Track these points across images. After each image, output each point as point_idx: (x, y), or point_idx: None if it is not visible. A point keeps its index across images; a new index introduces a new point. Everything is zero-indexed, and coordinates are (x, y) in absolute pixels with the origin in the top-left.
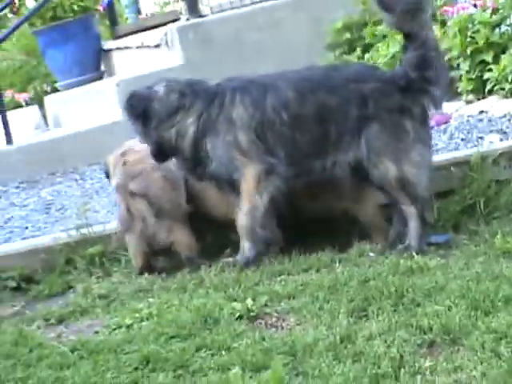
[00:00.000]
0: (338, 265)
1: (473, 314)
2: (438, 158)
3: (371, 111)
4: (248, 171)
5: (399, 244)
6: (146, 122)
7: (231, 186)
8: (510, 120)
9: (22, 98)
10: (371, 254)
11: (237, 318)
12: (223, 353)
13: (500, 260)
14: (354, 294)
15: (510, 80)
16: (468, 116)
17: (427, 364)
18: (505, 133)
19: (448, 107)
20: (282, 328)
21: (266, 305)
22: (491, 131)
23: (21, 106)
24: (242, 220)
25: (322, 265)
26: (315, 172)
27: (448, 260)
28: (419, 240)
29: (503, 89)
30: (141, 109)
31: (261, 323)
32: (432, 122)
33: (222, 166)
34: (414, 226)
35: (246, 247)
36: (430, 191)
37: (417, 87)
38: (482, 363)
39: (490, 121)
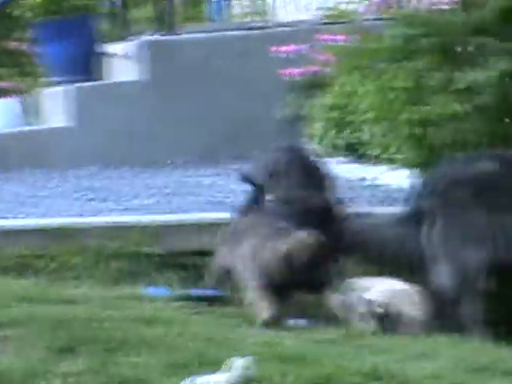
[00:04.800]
0: (94, 300)
1: (171, 370)
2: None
3: None
4: None
5: None
6: None
7: None
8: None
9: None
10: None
11: None
12: None
13: (243, 326)
14: (75, 332)
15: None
16: (348, 180)
17: None
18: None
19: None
20: None
21: None
22: None
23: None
24: None
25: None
26: None
27: (203, 316)
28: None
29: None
30: None
31: None
32: None
33: None
34: None
35: None
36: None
37: None
38: None
39: (353, 188)
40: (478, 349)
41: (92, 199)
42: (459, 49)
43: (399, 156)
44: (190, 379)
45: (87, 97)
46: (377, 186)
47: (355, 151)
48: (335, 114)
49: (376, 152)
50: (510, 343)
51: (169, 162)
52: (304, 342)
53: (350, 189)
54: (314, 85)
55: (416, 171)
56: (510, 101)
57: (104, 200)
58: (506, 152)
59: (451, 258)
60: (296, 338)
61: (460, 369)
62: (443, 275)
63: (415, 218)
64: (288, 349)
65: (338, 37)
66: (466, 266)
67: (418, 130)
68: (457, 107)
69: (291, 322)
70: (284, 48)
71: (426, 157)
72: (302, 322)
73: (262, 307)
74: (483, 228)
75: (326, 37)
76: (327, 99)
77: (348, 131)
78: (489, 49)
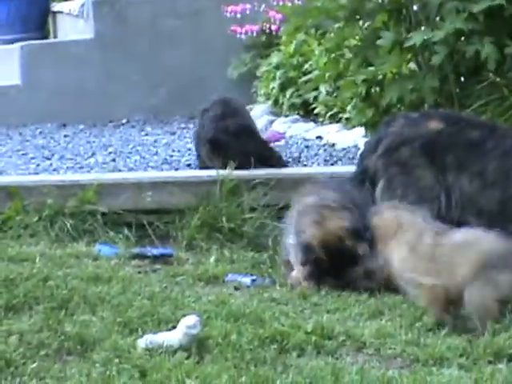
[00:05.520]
0: (38, 259)
1: (116, 328)
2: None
3: None
4: None
5: None
6: None
7: None
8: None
9: None
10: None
11: None
12: None
13: (190, 284)
14: (19, 290)
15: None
16: (303, 139)
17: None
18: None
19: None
20: None
21: None
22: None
23: None
24: None
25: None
26: None
27: (149, 275)
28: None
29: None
30: None
31: None
32: None
33: None
34: None
35: None
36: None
37: None
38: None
39: (308, 147)
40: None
41: (48, 158)
42: (412, 8)
43: (345, 115)
44: (144, 338)
45: (32, 55)
46: (333, 144)
47: (311, 110)
48: (291, 73)
49: (330, 111)
50: None
51: (124, 120)
52: (259, 300)
53: (306, 148)
54: (269, 44)
55: (364, 130)
56: (455, 59)
57: (60, 158)
58: (451, 111)
59: None
60: (250, 296)
61: (415, 327)
62: None
63: (361, 177)
64: (242, 307)
65: None
66: None
67: (364, 90)
68: (407, 66)
69: (240, 278)
70: (235, 7)
71: (372, 116)
72: (250, 278)
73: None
74: (428, 187)
75: None
76: (281, 58)
77: (303, 90)
78: (444, 8)
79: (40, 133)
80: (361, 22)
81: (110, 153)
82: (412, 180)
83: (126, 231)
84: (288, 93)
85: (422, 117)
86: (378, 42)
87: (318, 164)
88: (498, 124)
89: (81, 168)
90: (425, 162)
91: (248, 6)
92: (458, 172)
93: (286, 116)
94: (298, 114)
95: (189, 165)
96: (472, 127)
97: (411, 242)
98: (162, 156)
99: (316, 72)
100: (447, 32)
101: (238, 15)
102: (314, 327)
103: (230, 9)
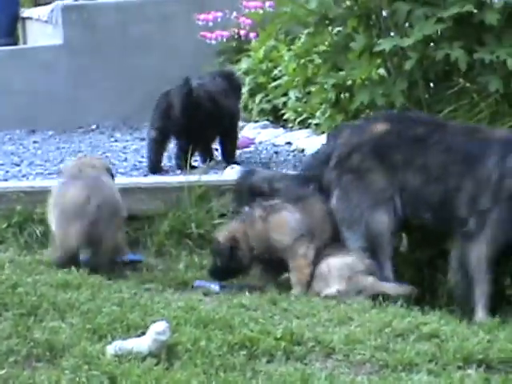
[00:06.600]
0: (7, 265)
1: (85, 335)
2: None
3: None
4: None
5: None
6: None
7: None
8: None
9: None
10: None
11: None
12: None
13: (159, 290)
14: None
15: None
16: (272, 144)
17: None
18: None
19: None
20: None
21: None
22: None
23: None
24: None
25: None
26: None
27: (118, 281)
28: None
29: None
30: None
31: None
32: None
33: None
34: None
35: None
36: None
37: None
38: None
39: (277, 152)
40: (401, 313)
41: (17, 164)
42: (382, 14)
43: (315, 121)
44: (114, 344)
45: (0, 62)
46: (302, 150)
47: (281, 116)
48: (260, 78)
49: (300, 117)
50: (431, 307)
51: (93, 126)
52: (228, 306)
53: (276, 153)
54: (239, 49)
55: None
56: (424, 65)
57: (29, 165)
58: (396, 112)
59: (356, 223)
60: (220, 302)
61: (384, 333)
62: (351, 240)
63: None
64: (212, 313)
65: (258, 3)
66: (371, 229)
67: (333, 95)
68: (376, 71)
69: (208, 285)
70: (207, 15)
71: (342, 122)
72: (219, 284)
73: None
74: (381, 189)
75: (248, 3)
76: (251, 64)
77: (272, 96)
78: (413, 14)
79: (9, 139)
80: (330, 28)
81: None
82: (365, 185)
83: None
84: (257, 98)
85: (367, 122)
86: (351, 44)
87: (288, 170)
88: (447, 121)
89: (50, 174)
90: (376, 165)
91: (219, 13)
92: (404, 169)
93: (256, 122)
94: (267, 119)
95: None
96: (418, 124)
97: None
98: (131, 162)
99: (285, 78)
100: (416, 38)
101: (210, 23)
102: (284, 333)
103: (202, 17)
